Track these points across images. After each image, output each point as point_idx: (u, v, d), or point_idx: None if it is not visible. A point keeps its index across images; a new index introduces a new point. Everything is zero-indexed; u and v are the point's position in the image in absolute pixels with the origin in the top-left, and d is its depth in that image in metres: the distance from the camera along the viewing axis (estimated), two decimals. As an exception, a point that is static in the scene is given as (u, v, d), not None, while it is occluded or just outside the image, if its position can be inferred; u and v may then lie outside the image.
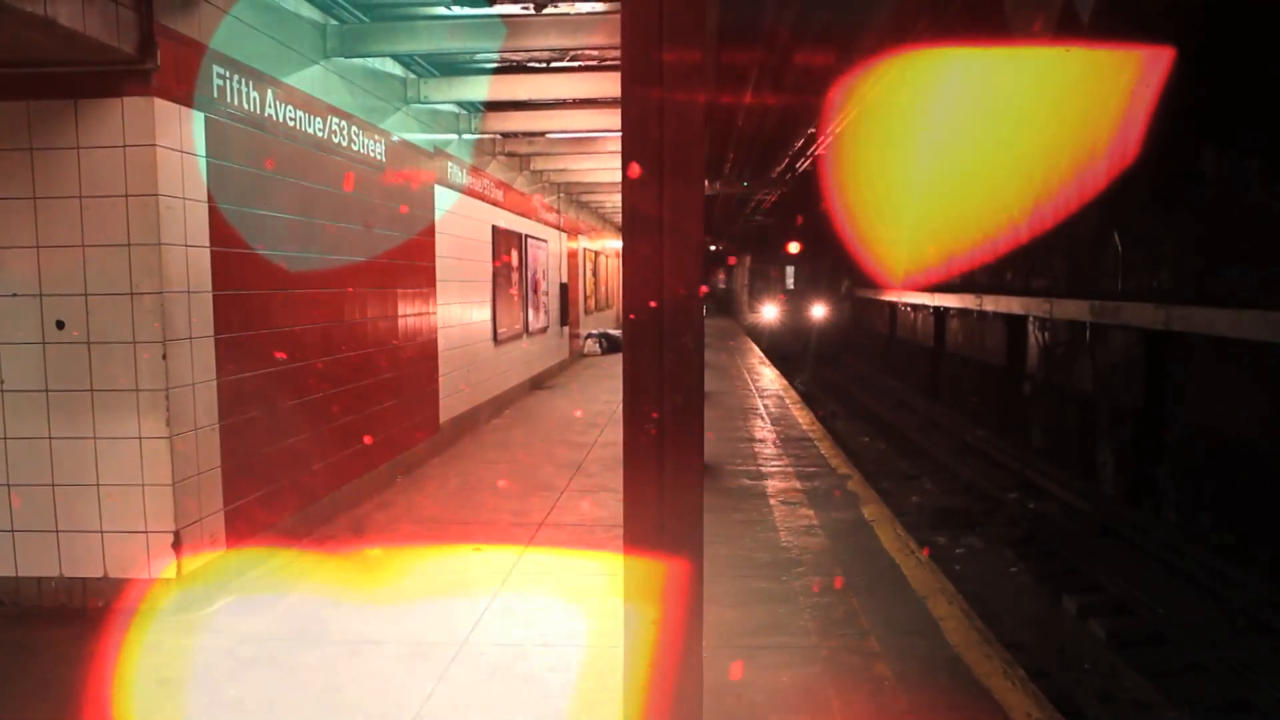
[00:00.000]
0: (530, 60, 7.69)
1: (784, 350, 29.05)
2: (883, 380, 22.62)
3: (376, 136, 6.98)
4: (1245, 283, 8.50)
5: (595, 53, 7.36)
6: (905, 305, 21.56)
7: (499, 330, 11.05)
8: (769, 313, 32.46)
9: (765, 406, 12.08)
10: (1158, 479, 9.84)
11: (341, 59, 6.34)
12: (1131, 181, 9.95)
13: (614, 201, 17.96)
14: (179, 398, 4.49)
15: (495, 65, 7.77)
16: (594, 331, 19.76)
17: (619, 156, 2.21)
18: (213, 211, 4.77)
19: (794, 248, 30.12)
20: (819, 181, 19.36)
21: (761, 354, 20.56)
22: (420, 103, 7.75)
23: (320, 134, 6.03)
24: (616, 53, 4.76)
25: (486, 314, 10.49)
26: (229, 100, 4.92)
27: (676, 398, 2.19)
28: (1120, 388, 10.77)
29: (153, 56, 4.27)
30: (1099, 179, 10.32)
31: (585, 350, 18.96)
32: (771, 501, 6.87)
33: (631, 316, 2.19)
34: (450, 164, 8.89)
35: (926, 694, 3.74)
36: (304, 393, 5.81)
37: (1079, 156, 10.60)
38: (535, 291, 13.37)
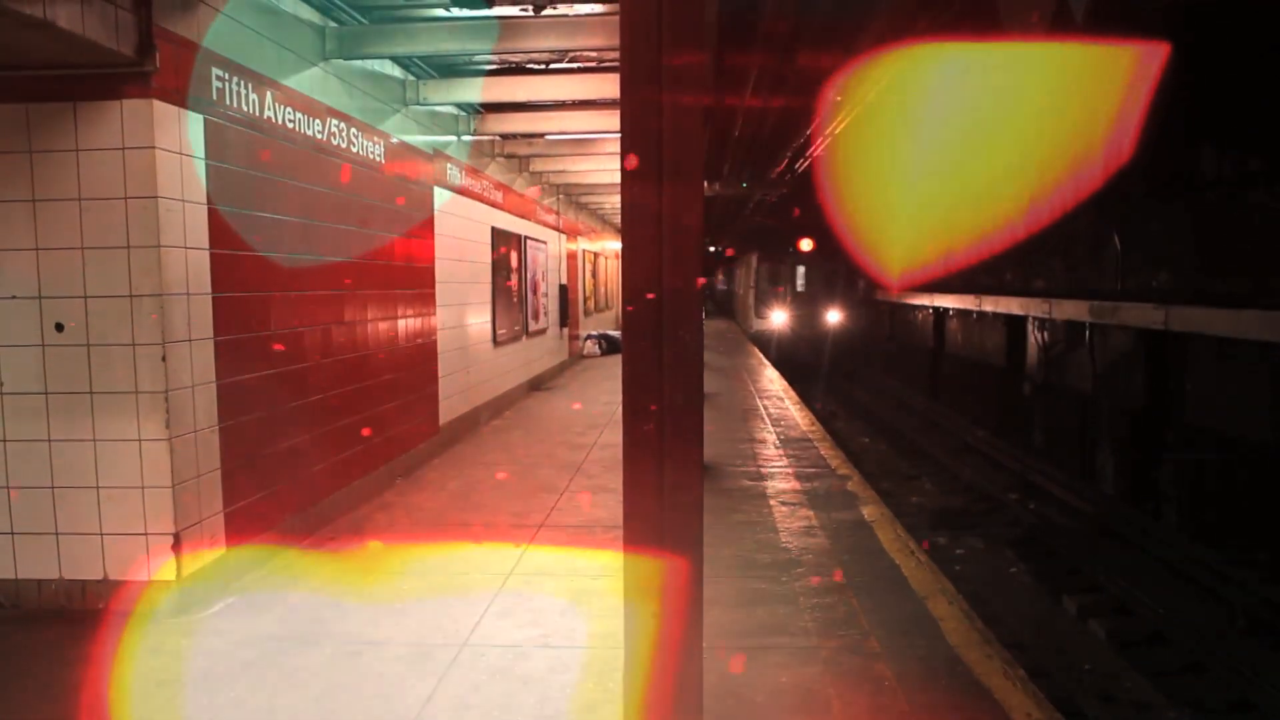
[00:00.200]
0: (529, 62, 7.69)
1: (800, 363, 23.93)
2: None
3: (375, 138, 6.99)
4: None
5: (594, 54, 7.37)
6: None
7: (498, 331, 11.06)
8: (778, 318, 27.23)
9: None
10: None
11: (340, 61, 6.34)
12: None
13: (613, 203, 17.96)
14: (178, 400, 4.49)
15: (494, 67, 7.77)
16: (593, 333, 19.77)
17: (618, 158, 2.21)
18: (212, 213, 4.77)
19: (806, 244, 26.33)
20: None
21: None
22: (419, 104, 7.76)
23: (319, 136, 6.03)
24: (615, 54, 4.77)
25: (486, 315, 10.49)
26: (228, 102, 4.93)
27: (676, 392, 2.20)
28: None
29: (152, 59, 4.27)
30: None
31: (585, 351, 18.97)
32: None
33: (630, 309, 2.19)
34: (449, 165, 8.89)
35: (927, 694, 3.74)
36: (303, 394, 5.81)
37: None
38: (534, 293, 13.37)
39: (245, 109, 5.10)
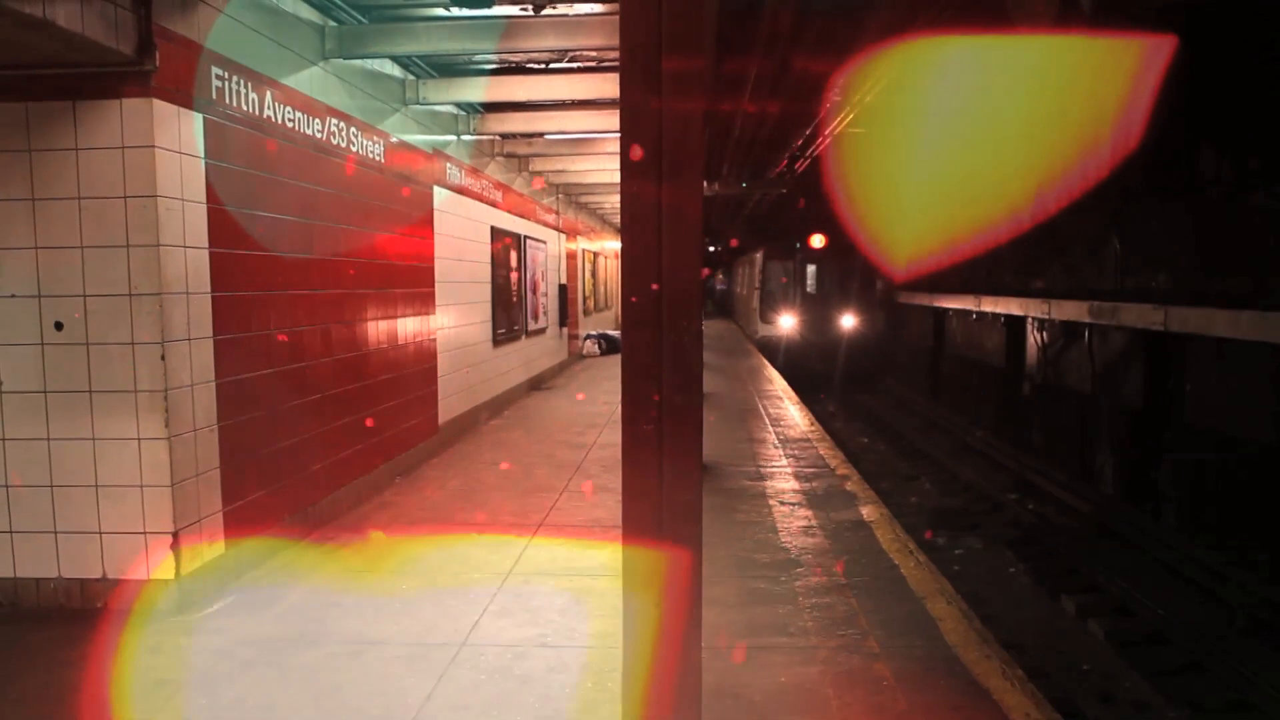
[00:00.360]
0: (529, 61, 7.70)
1: (815, 378, 20.48)
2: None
3: (375, 137, 6.99)
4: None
5: (594, 53, 7.37)
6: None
7: (498, 331, 11.06)
8: (786, 322, 23.24)
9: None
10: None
11: (340, 60, 6.34)
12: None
13: (613, 202, 17.96)
14: (177, 399, 4.49)
15: (494, 66, 7.78)
16: (593, 333, 19.77)
17: (618, 157, 2.21)
18: (211, 213, 4.77)
19: (818, 239, 22.66)
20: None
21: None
22: (419, 104, 7.76)
23: (319, 135, 6.03)
24: (615, 54, 4.77)
25: (485, 315, 10.49)
26: (228, 101, 4.93)
27: (676, 381, 2.20)
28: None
29: (151, 58, 4.27)
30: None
31: (584, 351, 18.97)
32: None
33: (631, 300, 2.20)
34: (449, 165, 8.90)
35: (925, 694, 3.75)
36: (303, 394, 5.81)
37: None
38: (534, 292, 13.37)
39: (245, 108, 5.10)
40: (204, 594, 4.68)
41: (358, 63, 6.64)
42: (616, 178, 2.31)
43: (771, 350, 22.22)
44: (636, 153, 2.16)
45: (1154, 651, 6.56)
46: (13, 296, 4.42)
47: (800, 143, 14.28)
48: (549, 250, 14.64)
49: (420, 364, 8.14)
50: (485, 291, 10.46)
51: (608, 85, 7.71)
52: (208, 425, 4.75)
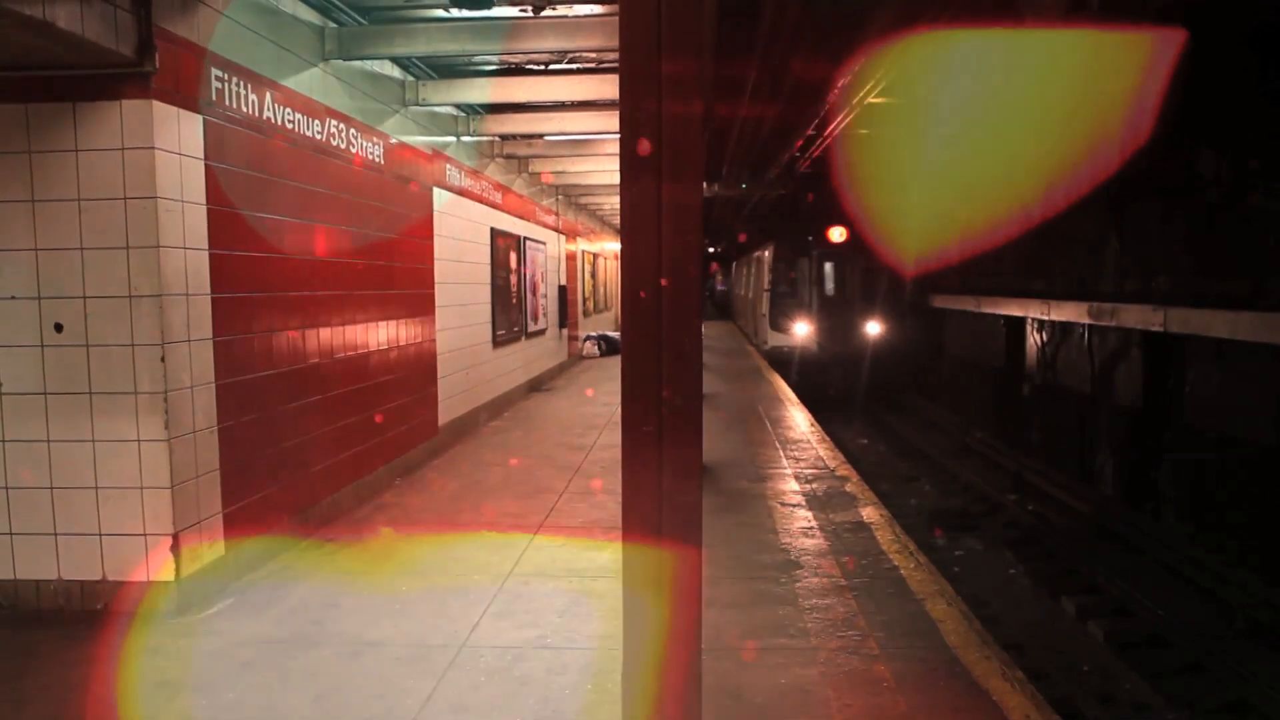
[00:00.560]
0: (529, 63, 7.70)
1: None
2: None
3: (375, 139, 6.99)
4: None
5: (594, 55, 7.37)
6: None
7: (497, 332, 11.06)
8: (800, 330, 19.16)
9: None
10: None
11: (340, 61, 6.35)
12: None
13: (612, 203, 17.94)
14: (177, 400, 4.49)
15: (494, 68, 7.78)
16: (593, 334, 19.77)
17: (617, 159, 2.22)
18: (211, 214, 4.77)
19: (837, 233, 18.81)
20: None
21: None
22: (419, 105, 7.76)
23: (319, 136, 6.03)
24: (615, 55, 4.76)
25: (485, 316, 10.49)
26: (227, 103, 4.93)
27: (677, 381, 2.20)
28: None
29: (151, 59, 4.27)
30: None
31: (584, 352, 18.97)
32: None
33: (635, 295, 2.20)
34: (449, 166, 8.90)
35: (926, 695, 3.75)
36: (302, 395, 5.81)
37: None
38: (534, 294, 13.38)
39: (245, 109, 5.10)
40: (204, 595, 4.68)
41: (357, 64, 6.65)
42: (616, 179, 2.31)
43: (786, 365, 18.52)
44: (636, 153, 2.17)
45: (1154, 653, 6.55)
46: (13, 298, 4.42)
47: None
48: (549, 251, 14.65)
49: (420, 365, 8.14)
50: (485, 293, 10.47)
51: (607, 86, 7.71)
52: (208, 427, 4.75)
